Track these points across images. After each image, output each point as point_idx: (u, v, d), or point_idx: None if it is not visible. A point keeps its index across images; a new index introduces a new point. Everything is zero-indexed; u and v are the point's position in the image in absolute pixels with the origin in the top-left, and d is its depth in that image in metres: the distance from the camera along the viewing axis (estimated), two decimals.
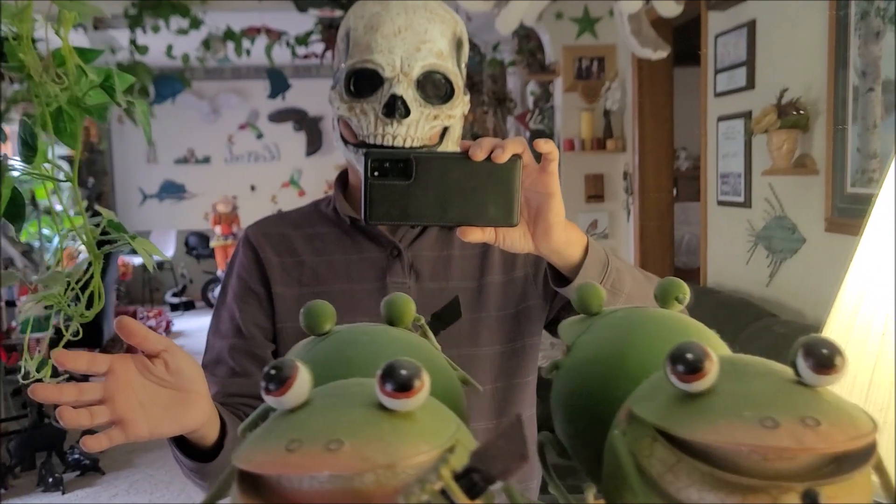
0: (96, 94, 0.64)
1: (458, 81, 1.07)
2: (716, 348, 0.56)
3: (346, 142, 1.09)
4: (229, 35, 5.03)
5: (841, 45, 2.37)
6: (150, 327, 5.39)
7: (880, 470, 0.41)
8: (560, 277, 0.91)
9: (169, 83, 5.64)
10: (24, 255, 5.01)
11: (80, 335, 0.65)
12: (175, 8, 4.53)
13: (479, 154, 0.78)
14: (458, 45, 1.10)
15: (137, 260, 8.25)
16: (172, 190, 9.04)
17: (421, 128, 1.03)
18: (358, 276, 1.12)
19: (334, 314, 0.59)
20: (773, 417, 0.38)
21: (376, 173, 0.78)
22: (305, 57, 5.20)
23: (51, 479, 3.80)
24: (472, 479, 0.35)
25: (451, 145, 1.09)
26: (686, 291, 0.61)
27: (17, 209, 0.62)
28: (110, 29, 5.14)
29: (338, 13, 4.28)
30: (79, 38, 5.33)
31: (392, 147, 1.03)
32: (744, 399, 0.40)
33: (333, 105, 1.09)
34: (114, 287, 5.84)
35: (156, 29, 4.64)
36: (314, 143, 9.03)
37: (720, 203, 3.25)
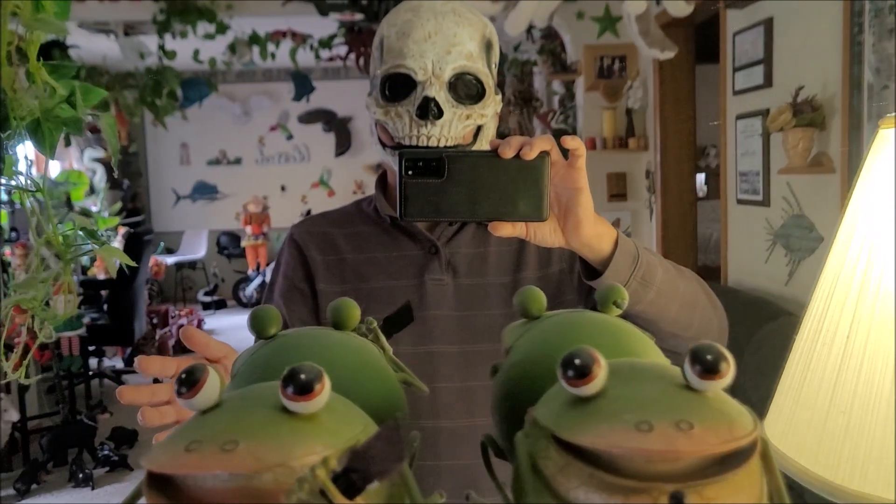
0: (69, 108, 0.67)
1: (489, 81, 1.10)
2: (647, 354, 0.57)
3: (383, 145, 1.13)
4: (254, 39, 5.10)
5: (855, 42, 2.35)
6: (182, 326, 5.49)
7: (769, 471, 0.42)
8: (591, 271, 0.94)
9: (196, 87, 5.73)
10: (58, 256, 5.11)
11: (52, 338, 0.67)
12: (202, 14, 4.61)
13: (507, 152, 0.81)
14: (488, 46, 1.13)
15: (170, 259, 8.40)
16: (205, 191, 9.18)
17: (454, 127, 1.07)
18: (397, 273, 1.16)
19: (279, 318, 0.61)
20: (648, 421, 0.39)
21: (410, 172, 0.81)
22: (330, 60, 5.25)
23: (81, 475, 3.89)
24: (350, 479, 0.37)
25: (485, 143, 1.12)
26: (624, 296, 0.62)
27: None
28: (140, 35, 5.24)
29: (358, 17, 4.32)
30: (109, 44, 5.44)
31: (427, 147, 1.06)
32: (627, 403, 0.41)
33: (370, 110, 1.13)
34: (145, 287, 5.95)
35: (184, 34, 4.73)
36: (343, 144, 9.11)
37: (739, 202, 3.22)
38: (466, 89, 1.08)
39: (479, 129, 1.11)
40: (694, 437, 0.38)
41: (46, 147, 0.65)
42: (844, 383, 0.77)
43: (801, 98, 2.56)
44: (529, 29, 4.09)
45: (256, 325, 0.60)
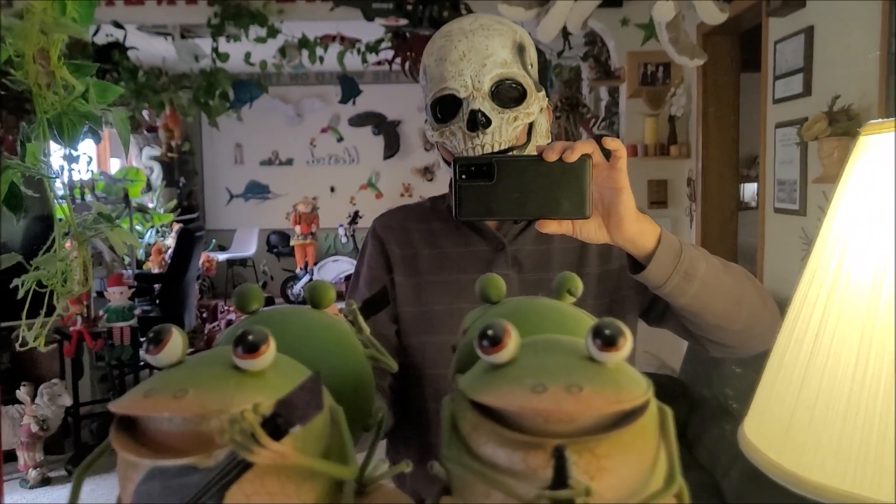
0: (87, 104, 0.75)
1: (528, 81, 1.18)
2: (581, 335, 0.62)
3: (447, 162, 1.22)
4: (304, 43, 5.22)
5: (893, 51, 2.33)
6: (230, 321, 5.65)
7: (666, 439, 0.47)
8: (637, 265, 1.00)
9: (247, 88, 5.88)
10: (112, 248, 5.31)
11: (69, 310, 0.75)
12: (254, 17, 4.75)
13: (551, 156, 0.89)
14: (521, 49, 1.20)
15: (222, 256, 8.60)
16: (257, 190, 9.38)
17: (504, 131, 1.14)
18: (466, 267, 1.25)
19: (261, 295, 0.67)
20: (543, 384, 0.44)
21: (464, 176, 0.91)
22: (378, 64, 5.34)
23: None
24: (276, 423, 0.43)
25: (541, 138, 1.21)
26: (578, 285, 0.67)
27: (15, 200, 0.73)
28: (196, 38, 5.41)
29: (402, 21, 4.40)
30: (166, 46, 5.63)
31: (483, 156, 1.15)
32: (532, 369, 0.46)
33: (429, 134, 1.23)
34: (196, 282, 6.12)
35: (236, 38, 4.87)
36: (392, 147, 9.21)
37: (776, 210, 3.21)
38: (508, 94, 1.15)
39: (530, 126, 1.19)
40: (581, 398, 0.43)
41: (66, 138, 0.73)
42: (811, 379, 0.80)
43: (838, 107, 2.55)
44: (566, 36, 4.11)
45: (240, 302, 0.66)
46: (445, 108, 1.17)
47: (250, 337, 0.47)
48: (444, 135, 1.17)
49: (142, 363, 5.37)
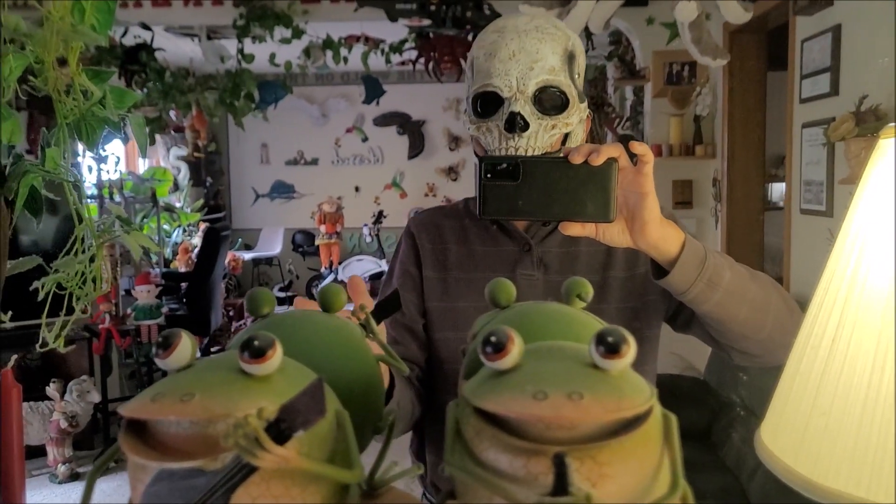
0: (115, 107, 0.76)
1: (572, 91, 1.18)
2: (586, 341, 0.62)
3: (478, 156, 1.23)
4: (328, 44, 5.25)
5: None
6: (255, 319, 5.68)
7: (669, 446, 0.47)
8: (660, 271, 1.00)
9: (272, 89, 5.92)
10: (143, 247, 5.37)
11: (88, 312, 0.76)
12: (279, 19, 4.78)
13: (577, 158, 0.89)
14: (571, 58, 1.19)
15: (247, 255, 8.67)
16: (283, 190, 9.44)
17: (540, 138, 1.15)
18: (493, 266, 1.26)
19: (273, 299, 0.68)
20: (544, 391, 0.44)
21: (489, 175, 0.91)
22: (402, 64, 5.36)
23: None
24: (279, 427, 0.44)
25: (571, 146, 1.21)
26: (588, 290, 0.67)
27: (36, 203, 0.74)
28: (222, 39, 5.46)
29: (425, 22, 4.41)
30: (193, 47, 5.68)
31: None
32: (534, 376, 0.46)
33: (466, 126, 1.23)
34: (222, 281, 6.17)
35: (261, 39, 4.90)
36: (416, 147, 9.23)
37: (803, 211, 3.17)
38: (551, 101, 1.16)
39: (566, 136, 1.19)
40: (581, 406, 0.43)
41: (87, 142, 0.74)
42: (826, 385, 0.79)
43: (865, 107, 2.52)
44: (589, 36, 4.10)
45: (251, 306, 0.67)
46: (487, 104, 1.18)
47: (256, 342, 0.47)
48: (481, 130, 1.18)
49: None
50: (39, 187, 0.73)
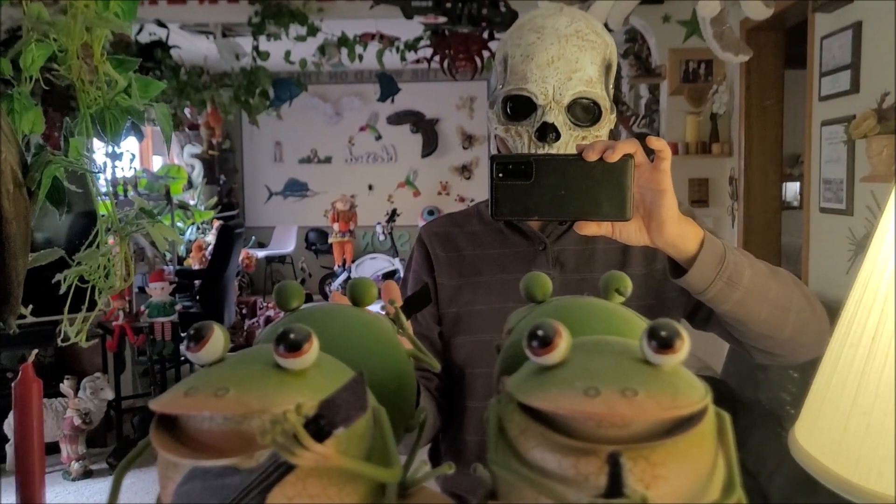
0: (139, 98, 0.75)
1: (606, 103, 1.16)
2: (637, 337, 0.60)
3: (490, 156, 1.21)
4: (343, 41, 5.24)
5: None
6: (269, 317, 5.67)
7: (724, 446, 0.45)
8: (678, 269, 0.98)
9: (286, 87, 5.92)
10: (154, 244, 5.39)
11: (110, 305, 0.75)
12: (294, 16, 4.77)
13: (591, 155, 0.86)
14: (608, 68, 1.18)
15: (261, 253, 8.68)
16: (296, 188, 9.44)
17: (570, 148, 1.12)
18: (508, 267, 1.24)
19: (302, 292, 0.66)
20: (596, 387, 0.42)
21: (501, 175, 0.88)
22: (416, 62, 5.35)
23: None
24: (319, 424, 0.42)
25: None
26: (627, 284, 0.65)
27: (58, 195, 0.73)
28: (237, 37, 5.46)
29: (441, 19, 4.39)
30: (208, 45, 5.69)
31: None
32: (583, 371, 0.44)
33: (491, 124, 1.21)
34: (235, 279, 6.18)
35: (276, 36, 4.90)
36: (430, 145, 9.21)
37: (822, 210, 3.13)
38: (584, 112, 1.13)
39: None
40: (636, 403, 0.41)
41: (109, 133, 0.72)
42: (867, 384, 0.77)
43: (887, 104, 2.48)
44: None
45: (280, 299, 0.65)
46: (518, 107, 1.15)
47: (292, 335, 0.45)
48: (510, 133, 1.16)
49: (182, 358, 5.44)
50: (62, 178, 0.72)
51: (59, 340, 0.73)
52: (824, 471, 0.79)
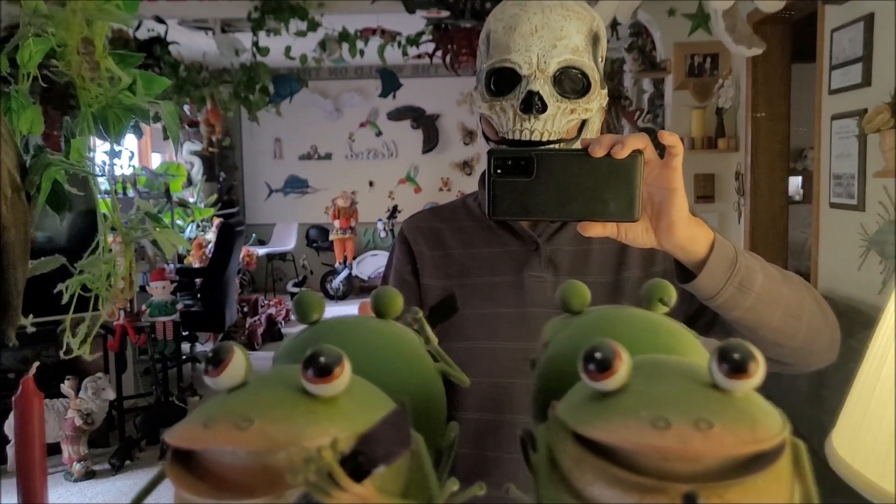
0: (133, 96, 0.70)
1: (595, 75, 1.09)
2: (689, 352, 0.56)
3: (487, 139, 1.14)
4: (344, 36, 5.19)
5: None
6: (270, 315, 5.65)
7: (801, 477, 0.41)
8: (686, 273, 0.92)
9: (286, 83, 5.88)
10: (154, 243, 5.33)
11: (119, 317, 0.71)
12: (294, 11, 4.72)
13: (598, 151, 0.80)
14: (595, 39, 1.11)
15: (261, 251, 8.64)
16: (296, 185, 9.40)
17: (558, 122, 1.06)
18: (499, 268, 1.17)
19: (322, 304, 0.62)
20: (666, 418, 0.38)
21: (500, 171, 0.82)
22: (418, 57, 5.30)
23: None
24: (357, 462, 0.37)
25: (591, 137, 1.12)
26: (672, 294, 0.61)
27: (59, 199, 0.68)
28: (236, 32, 5.41)
29: (444, 14, 4.34)
30: (207, 41, 5.63)
31: (529, 142, 1.06)
32: (647, 399, 0.40)
33: (476, 104, 1.14)
34: (236, 276, 6.14)
35: (276, 32, 4.85)
36: (431, 141, 9.17)
37: (833, 205, 3.09)
38: (571, 83, 1.07)
39: (583, 123, 1.10)
40: (712, 436, 0.37)
41: (112, 133, 0.68)
42: None
43: None
44: (614, 26, 4.02)
45: (299, 311, 0.61)
46: (502, 81, 1.08)
47: (322, 359, 0.41)
48: (494, 109, 1.08)
49: (184, 357, 5.41)
50: (63, 181, 0.68)
51: (61, 353, 0.69)
52: (869, 485, 0.75)
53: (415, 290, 1.20)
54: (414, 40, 5.11)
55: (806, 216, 6.75)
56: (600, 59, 1.12)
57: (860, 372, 0.82)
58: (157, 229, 0.72)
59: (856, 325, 2.61)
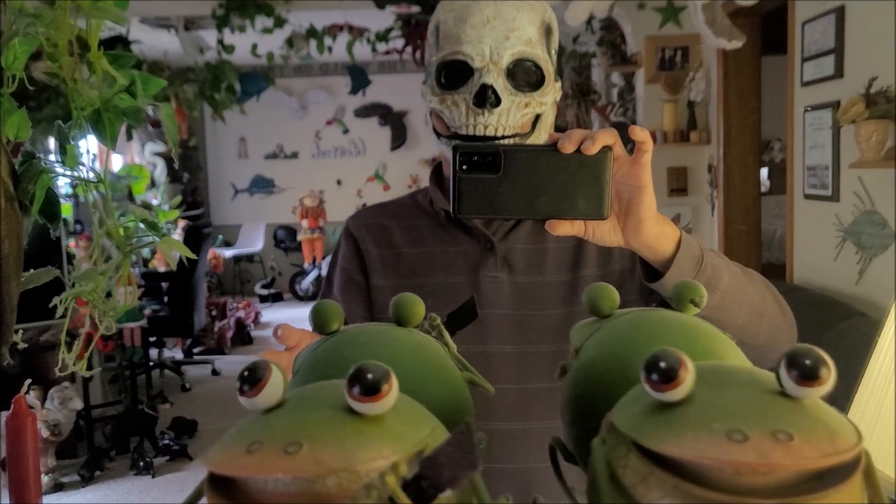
0: (129, 98, 0.67)
1: (549, 68, 1.07)
2: (728, 356, 0.54)
3: (438, 134, 1.10)
4: (312, 33, 5.13)
5: None
6: (239, 318, 5.55)
7: (872, 489, 0.39)
8: (652, 272, 0.90)
9: (253, 81, 5.80)
10: (118, 248, 5.23)
11: (112, 330, 0.67)
12: (260, 8, 4.65)
13: (568, 146, 0.77)
14: (548, 31, 1.09)
15: (228, 252, 8.53)
16: (262, 184, 9.30)
17: (512, 116, 1.03)
18: (452, 268, 1.13)
19: (341, 314, 0.59)
20: (742, 430, 0.36)
21: (465, 167, 0.78)
22: (387, 53, 5.26)
23: (142, 463, 3.97)
24: (421, 487, 0.35)
25: (544, 132, 1.09)
26: (703, 294, 0.59)
27: (52, 209, 0.65)
28: (200, 30, 5.32)
29: (414, 9, 4.31)
30: (170, 39, 5.54)
31: (484, 137, 1.03)
32: (717, 410, 0.38)
33: (426, 98, 1.10)
34: (204, 280, 6.04)
35: (242, 29, 4.78)
36: (399, 138, 9.13)
37: (807, 197, 3.12)
38: (525, 76, 1.05)
39: (537, 117, 1.07)
40: (792, 449, 0.35)
41: (107, 138, 0.65)
42: None
43: (875, 89, 2.46)
44: (589, 20, 4.03)
45: (318, 321, 0.58)
46: (453, 74, 1.05)
47: (370, 375, 0.38)
48: (446, 103, 1.05)
49: (152, 363, 5.31)
50: (56, 189, 0.64)
51: (56, 370, 0.65)
52: (887, 481, 0.74)
53: (363, 291, 1.16)
54: (383, 36, 5.07)
55: (773, 207, 6.85)
56: (553, 52, 1.10)
57: (871, 367, 0.81)
58: (159, 237, 0.68)
59: (832, 316, 2.64)
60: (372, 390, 0.38)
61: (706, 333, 0.54)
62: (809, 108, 3.03)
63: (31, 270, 0.70)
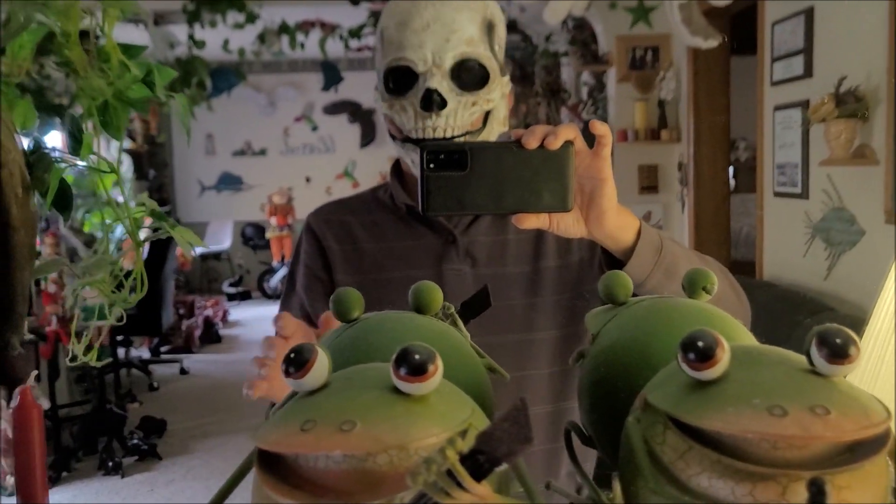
0: (139, 89, 0.67)
1: (493, 65, 1.09)
2: (741, 339, 0.56)
3: (393, 137, 1.13)
4: (284, 29, 5.10)
5: None
6: (207, 316, 5.48)
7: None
8: (615, 262, 0.92)
9: (225, 77, 5.76)
10: (87, 245, 5.16)
11: (124, 320, 0.67)
12: (232, 3, 4.61)
13: (531, 142, 0.79)
14: (490, 27, 1.11)
15: (197, 250, 8.44)
16: (230, 181, 9.22)
17: (460, 116, 1.05)
18: (415, 262, 1.15)
19: (362, 302, 0.60)
20: (781, 405, 0.37)
21: (432, 165, 0.80)
22: (359, 50, 5.25)
23: (111, 464, 3.92)
24: (478, 461, 0.36)
25: (497, 127, 1.11)
26: (714, 282, 0.61)
27: (65, 200, 0.65)
28: (170, 24, 5.26)
29: None
30: (139, 34, 5.46)
31: (434, 139, 1.05)
32: (754, 387, 0.39)
33: (378, 103, 1.12)
34: (172, 277, 5.98)
35: (213, 24, 4.73)
36: (368, 135, 9.11)
37: (777, 194, 3.18)
38: (470, 76, 1.07)
39: (488, 113, 1.10)
40: (830, 422, 0.37)
41: (115, 129, 0.64)
42: None
43: (844, 88, 2.52)
44: (566, 21, 4.06)
45: (339, 308, 0.59)
46: (400, 79, 1.07)
47: (417, 356, 0.39)
48: (395, 108, 1.08)
49: (119, 362, 5.24)
50: (70, 180, 0.64)
51: (67, 360, 0.65)
52: None
53: (327, 288, 1.17)
54: (356, 32, 5.05)
55: (739, 205, 6.94)
56: (497, 48, 1.12)
57: (866, 361, 0.83)
58: (173, 228, 0.68)
59: (801, 312, 2.70)
60: (419, 370, 0.39)
61: (721, 319, 0.56)
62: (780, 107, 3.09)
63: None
